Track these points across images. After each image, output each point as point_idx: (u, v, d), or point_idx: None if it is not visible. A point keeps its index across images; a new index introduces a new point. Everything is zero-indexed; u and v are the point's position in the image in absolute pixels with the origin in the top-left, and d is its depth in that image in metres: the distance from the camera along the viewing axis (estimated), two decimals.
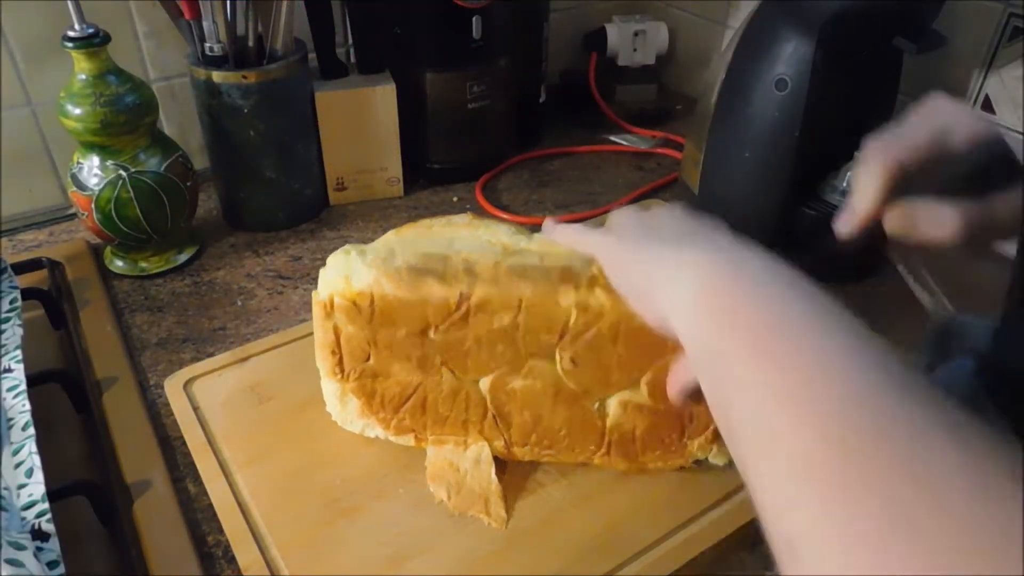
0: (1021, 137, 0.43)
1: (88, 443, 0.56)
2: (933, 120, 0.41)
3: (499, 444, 0.52)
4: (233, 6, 0.71)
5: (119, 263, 0.74)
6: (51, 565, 0.43)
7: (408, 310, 0.47)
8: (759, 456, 0.28)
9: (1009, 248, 0.39)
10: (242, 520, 0.49)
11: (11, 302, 0.61)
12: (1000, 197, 0.40)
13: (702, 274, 0.34)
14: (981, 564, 0.21)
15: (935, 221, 0.39)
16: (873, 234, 0.47)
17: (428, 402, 0.51)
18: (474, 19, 0.82)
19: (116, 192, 0.67)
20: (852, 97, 0.71)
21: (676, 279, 0.35)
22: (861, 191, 0.41)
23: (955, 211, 0.39)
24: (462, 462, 0.52)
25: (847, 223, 0.43)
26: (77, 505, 0.49)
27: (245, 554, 0.47)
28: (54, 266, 0.72)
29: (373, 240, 0.52)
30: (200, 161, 0.82)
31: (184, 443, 0.55)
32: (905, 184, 0.41)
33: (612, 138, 1.01)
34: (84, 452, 0.55)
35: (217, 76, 0.72)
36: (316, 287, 0.50)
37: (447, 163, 0.90)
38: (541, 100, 0.98)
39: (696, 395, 0.40)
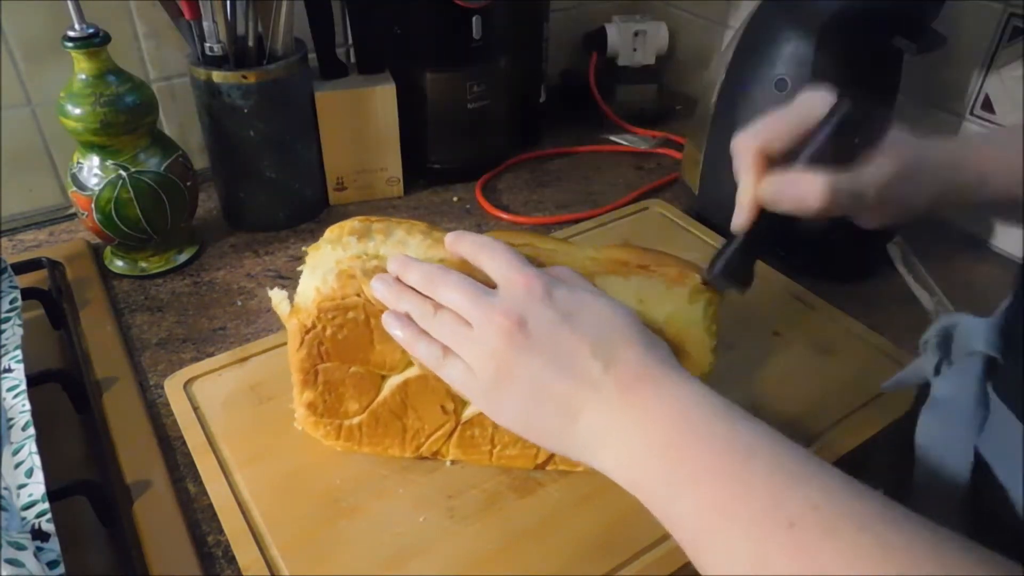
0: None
1: (88, 443, 0.56)
2: (795, 107, 0.45)
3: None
4: (233, 6, 0.71)
5: (119, 263, 0.74)
6: (51, 565, 0.43)
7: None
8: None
9: (1012, 245, 0.40)
10: (242, 520, 0.49)
11: (11, 302, 0.61)
12: (866, 167, 0.44)
13: (642, 429, 0.37)
14: None
15: (800, 188, 0.43)
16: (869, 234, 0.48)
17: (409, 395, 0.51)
18: (474, 19, 0.82)
19: (116, 192, 0.67)
20: (852, 97, 0.71)
21: (610, 430, 0.38)
22: (741, 185, 0.46)
23: (819, 179, 0.42)
24: None
25: (738, 217, 0.47)
26: (77, 505, 0.49)
27: (245, 554, 0.47)
28: (54, 266, 0.72)
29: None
30: (200, 161, 0.82)
31: (184, 443, 0.55)
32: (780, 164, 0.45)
33: (612, 138, 1.01)
34: (84, 452, 0.55)
35: (217, 76, 0.72)
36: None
37: (447, 163, 0.90)
38: (541, 100, 0.98)
39: None
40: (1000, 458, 0.36)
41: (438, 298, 0.44)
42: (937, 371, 0.43)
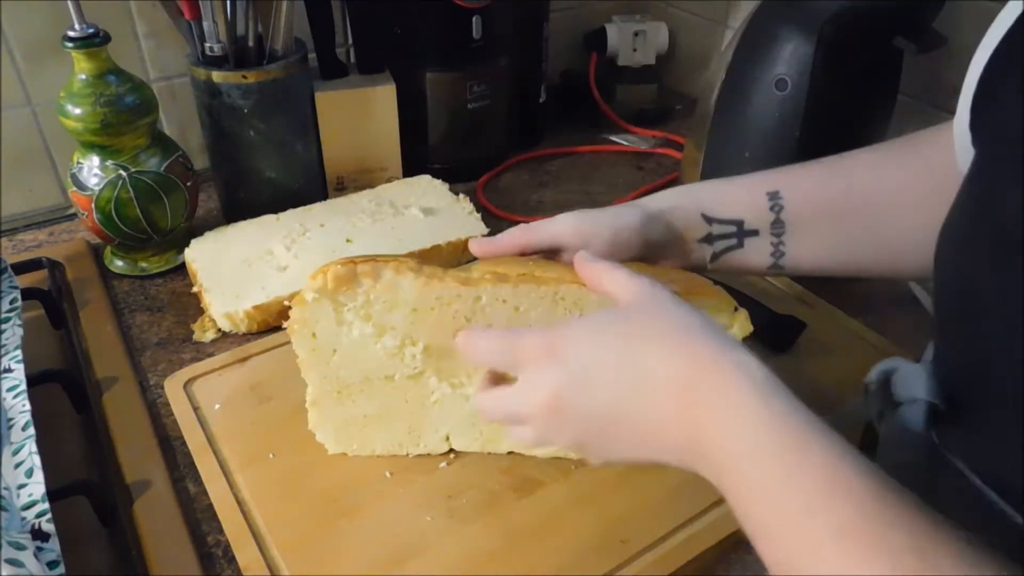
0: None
1: (88, 443, 0.56)
2: None
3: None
4: (233, 6, 0.71)
5: (119, 263, 0.74)
6: (51, 565, 0.43)
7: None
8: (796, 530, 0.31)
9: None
10: (242, 520, 0.49)
11: (11, 302, 0.61)
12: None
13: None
14: None
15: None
16: None
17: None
18: (474, 19, 0.82)
19: (116, 192, 0.67)
20: (852, 97, 0.71)
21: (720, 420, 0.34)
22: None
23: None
24: None
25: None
26: (77, 505, 0.49)
27: (245, 554, 0.47)
28: (54, 266, 0.72)
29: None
30: (200, 161, 0.82)
31: (184, 443, 0.55)
32: None
33: (612, 138, 1.01)
34: (84, 452, 0.55)
35: (217, 76, 0.72)
36: None
37: (447, 163, 0.90)
38: (541, 100, 0.98)
39: None
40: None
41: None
42: (881, 418, 0.42)
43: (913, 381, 0.39)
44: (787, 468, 0.32)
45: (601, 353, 0.38)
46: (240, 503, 0.51)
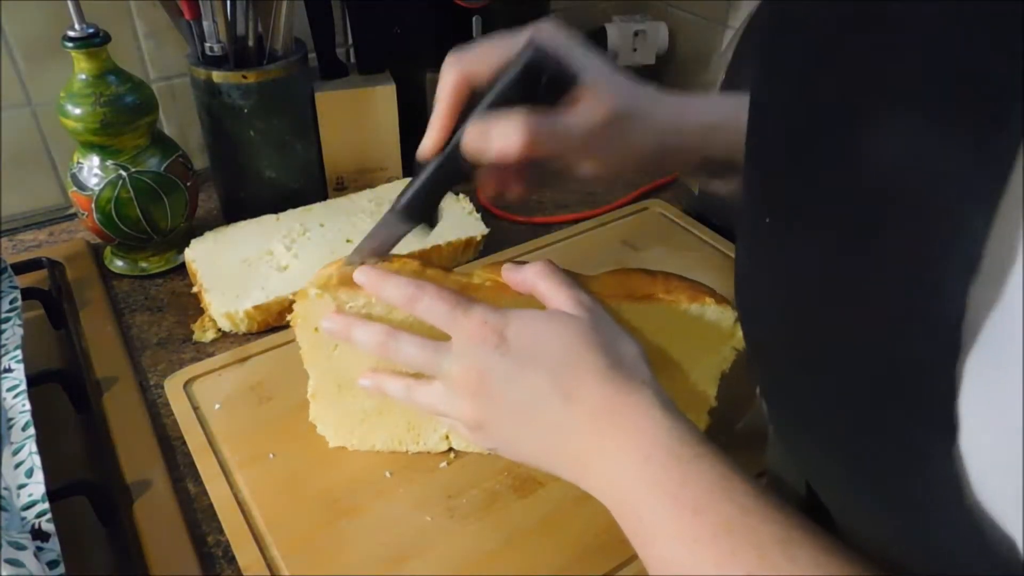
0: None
1: (88, 443, 0.56)
2: (510, 40, 0.42)
3: None
4: (233, 6, 0.71)
5: (119, 263, 0.74)
6: (51, 565, 0.43)
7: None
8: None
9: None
10: (242, 520, 0.49)
11: (11, 302, 0.61)
12: (572, 109, 0.41)
13: (606, 470, 0.39)
14: None
15: (503, 132, 0.39)
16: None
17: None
18: (474, 19, 0.82)
19: (116, 192, 0.67)
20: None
21: (587, 461, 0.40)
22: (435, 108, 0.43)
23: (517, 119, 0.39)
24: None
25: (425, 143, 0.43)
26: (77, 505, 0.49)
27: (245, 554, 0.48)
28: (54, 266, 0.72)
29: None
30: (200, 161, 0.82)
31: (184, 443, 0.55)
32: (474, 102, 0.42)
33: None
34: (84, 452, 0.55)
35: (217, 76, 0.72)
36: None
37: None
38: None
39: None
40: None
41: (396, 361, 0.45)
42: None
43: None
44: (683, 470, 0.35)
45: (540, 350, 0.40)
46: (240, 503, 0.51)
